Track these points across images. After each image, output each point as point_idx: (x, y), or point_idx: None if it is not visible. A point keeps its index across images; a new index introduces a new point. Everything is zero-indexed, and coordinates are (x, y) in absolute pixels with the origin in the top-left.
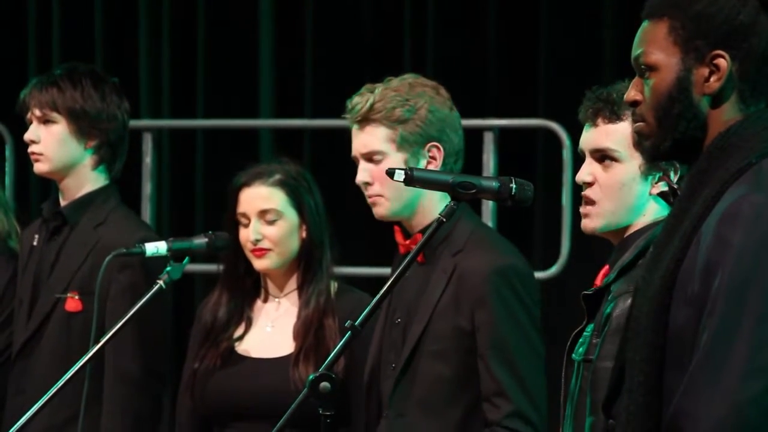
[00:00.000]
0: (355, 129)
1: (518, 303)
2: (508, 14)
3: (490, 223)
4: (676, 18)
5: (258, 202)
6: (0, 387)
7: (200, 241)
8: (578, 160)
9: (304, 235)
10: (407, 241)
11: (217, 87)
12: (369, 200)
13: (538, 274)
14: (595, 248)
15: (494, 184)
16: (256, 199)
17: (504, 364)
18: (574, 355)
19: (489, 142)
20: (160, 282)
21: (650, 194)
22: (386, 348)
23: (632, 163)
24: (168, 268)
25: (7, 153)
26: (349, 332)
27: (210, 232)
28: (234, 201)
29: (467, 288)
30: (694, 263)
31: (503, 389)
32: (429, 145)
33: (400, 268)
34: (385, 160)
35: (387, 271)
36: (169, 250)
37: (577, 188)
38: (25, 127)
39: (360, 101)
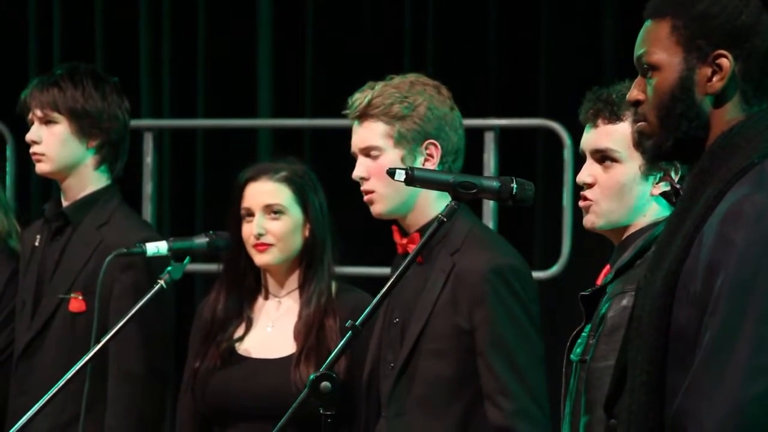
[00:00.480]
0: (354, 125)
1: (516, 301)
2: (509, 14)
3: (490, 223)
4: (679, 18)
5: (263, 197)
6: (0, 386)
7: (201, 240)
8: (579, 159)
9: (307, 233)
10: (405, 240)
11: (217, 87)
12: (364, 197)
13: (539, 274)
14: (596, 248)
15: (495, 183)
16: (262, 193)
17: (504, 362)
18: (572, 355)
19: (490, 141)
20: (161, 282)
21: (651, 195)
22: (385, 348)
23: (632, 163)
24: (169, 268)
25: (8, 153)
26: (350, 332)
27: (211, 231)
28: (239, 196)
29: (465, 287)
30: (696, 263)
31: (505, 387)
32: (426, 142)
33: (401, 267)
34: (382, 155)
35: (386, 270)
36: (169, 249)
37: (578, 188)
38: (26, 127)
39: (359, 97)
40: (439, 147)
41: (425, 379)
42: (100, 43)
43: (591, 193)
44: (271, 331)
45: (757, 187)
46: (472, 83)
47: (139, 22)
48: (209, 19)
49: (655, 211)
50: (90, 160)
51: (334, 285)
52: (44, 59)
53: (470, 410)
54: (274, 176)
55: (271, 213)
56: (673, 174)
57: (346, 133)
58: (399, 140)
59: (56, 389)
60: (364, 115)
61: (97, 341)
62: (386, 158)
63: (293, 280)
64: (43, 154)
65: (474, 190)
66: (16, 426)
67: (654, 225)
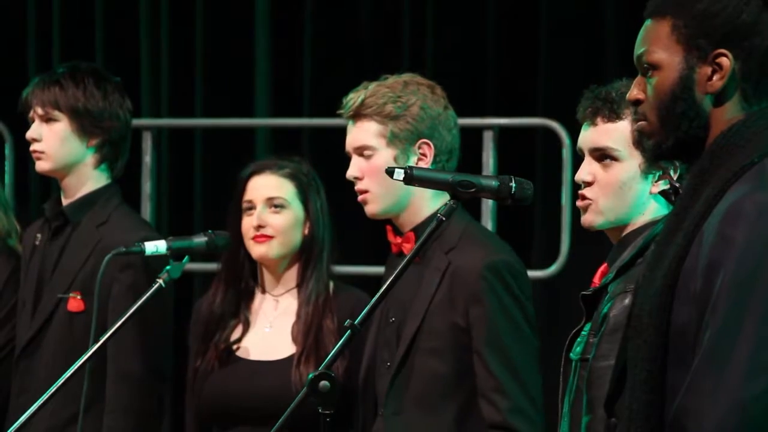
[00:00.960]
0: (349, 125)
1: (511, 299)
2: (508, 12)
3: (489, 222)
4: (679, 17)
5: (266, 190)
6: (0, 384)
7: (200, 239)
8: (578, 159)
9: (306, 231)
10: (399, 240)
11: (215, 86)
12: (358, 197)
13: (538, 273)
14: (595, 247)
15: (494, 182)
16: (265, 186)
17: (500, 360)
18: (571, 354)
19: (488, 140)
20: (160, 281)
21: (650, 193)
22: (381, 347)
23: (632, 162)
24: (168, 267)
25: (7, 151)
26: (349, 331)
27: (210, 230)
28: (241, 189)
29: (461, 285)
30: (696, 261)
31: (500, 385)
32: (419, 142)
33: (401, 267)
34: (375, 155)
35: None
36: (168, 249)
37: (577, 187)
38: (25, 126)
39: (353, 97)
40: (432, 146)
41: (422, 377)
42: (100, 43)
43: (589, 191)
44: (270, 331)
45: (757, 186)
46: (471, 82)
47: (138, 22)
48: (207, 19)
49: (654, 209)
50: (90, 158)
51: (332, 285)
52: (44, 59)
53: (467, 407)
54: (278, 171)
55: (273, 206)
56: (672, 172)
57: (344, 133)
58: (392, 140)
59: (54, 389)
60: (357, 115)
61: (96, 341)
62: (379, 158)
63: (291, 279)
64: (43, 152)
65: (473, 189)
66: (14, 426)
67: (653, 223)
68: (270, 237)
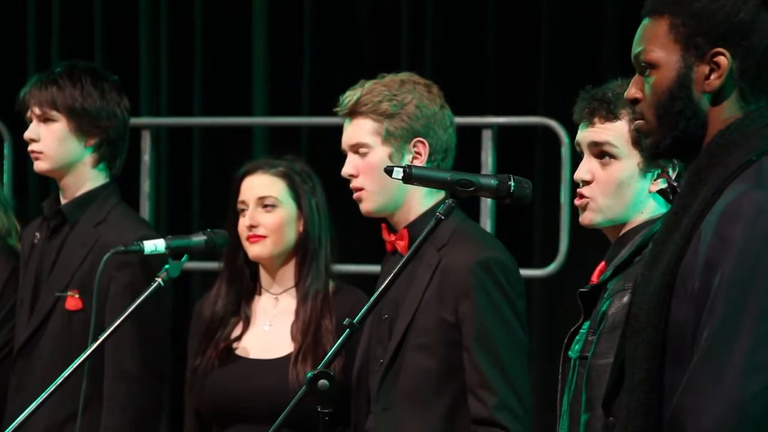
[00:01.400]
0: (345, 122)
1: (502, 295)
2: (507, 11)
3: (488, 221)
4: (677, 15)
5: (257, 189)
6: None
7: (198, 238)
8: (577, 157)
9: (301, 228)
10: (393, 237)
11: (213, 85)
12: (354, 195)
13: (537, 272)
14: (594, 246)
15: (493, 181)
16: (256, 186)
17: (488, 357)
18: (570, 352)
19: (487, 139)
20: (159, 280)
21: (649, 191)
22: (374, 344)
23: (631, 160)
24: (166, 266)
25: (6, 151)
26: (348, 329)
27: (208, 229)
28: (236, 190)
29: (451, 281)
30: (694, 260)
31: (487, 381)
32: (414, 140)
33: (399, 266)
34: (371, 153)
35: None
36: (167, 247)
37: (576, 186)
38: (24, 125)
39: (350, 95)
40: (426, 145)
41: (412, 373)
42: (99, 43)
43: (588, 190)
44: (269, 330)
45: (755, 185)
46: (470, 81)
47: (137, 22)
48: (206, 18)
49: (653, 207)
50: (88, 158)
51: (332, 284)
52: (44, 59)
53: (457, 403)
54: (269, 170)
55: (264, 206)
56: (670, 171)
57: (342, 132)
58: (387, 138)
59: (53, 388)
60: (353, 113)
61: (94, 339)
62: (374, 155)
63: (289, 277)
64: (41, 152)
65: (472, 188)
66: (12, 425)
67: (651, 222)
68: (263, 237)
